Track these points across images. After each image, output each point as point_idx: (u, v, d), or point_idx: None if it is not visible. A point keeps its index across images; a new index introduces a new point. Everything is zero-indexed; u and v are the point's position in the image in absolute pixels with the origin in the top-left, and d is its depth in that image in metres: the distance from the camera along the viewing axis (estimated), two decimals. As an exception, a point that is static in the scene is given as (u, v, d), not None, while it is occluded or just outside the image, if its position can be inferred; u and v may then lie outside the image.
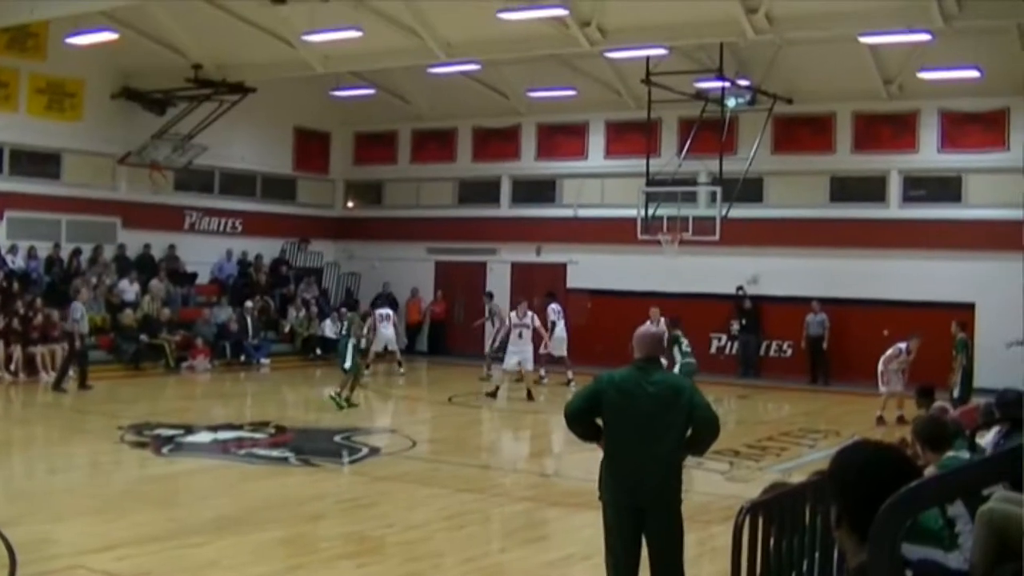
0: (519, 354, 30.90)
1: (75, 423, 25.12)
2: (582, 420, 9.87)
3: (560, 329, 34.26)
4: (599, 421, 9.80)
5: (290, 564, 13.16)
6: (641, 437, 9.53)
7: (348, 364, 27.56)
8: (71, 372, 30.15)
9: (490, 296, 38.32)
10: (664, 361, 10.81)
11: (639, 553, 9.74)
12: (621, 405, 9.63)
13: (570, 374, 33.20)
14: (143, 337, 34.01)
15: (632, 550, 9.71)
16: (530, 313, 31.86)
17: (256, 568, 12.75)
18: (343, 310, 34.75)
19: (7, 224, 34.94)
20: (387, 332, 35.61)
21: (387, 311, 36.39)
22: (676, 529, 9.68)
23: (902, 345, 27.56)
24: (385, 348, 35.67)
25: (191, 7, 31.60)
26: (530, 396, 29.94)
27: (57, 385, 29.63)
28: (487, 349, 35.65)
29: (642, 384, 9.62)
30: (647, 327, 10.41)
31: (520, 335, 31.22)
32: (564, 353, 34.13)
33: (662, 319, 29.40)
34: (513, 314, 31.96)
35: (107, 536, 13.65)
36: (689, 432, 9.57)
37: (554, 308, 34.86)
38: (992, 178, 34.36)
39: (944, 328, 30.63)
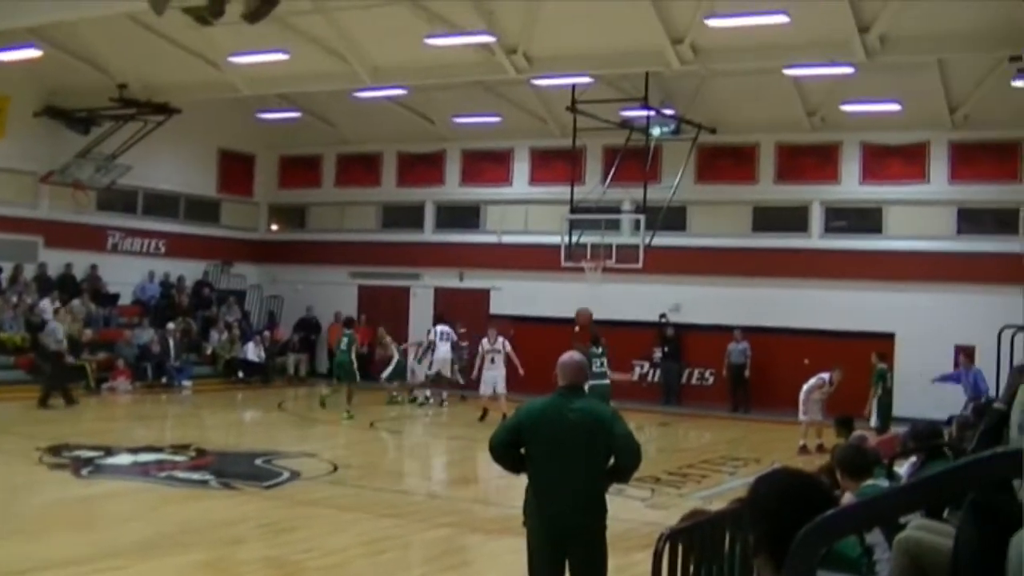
0: (493, 379, 31.41)
1: (-8, 444, 24.88)
2: (506, 453, 9.85)
3: (443, 351, 34.08)
4: (524, 450, 9.78)
5: (211, 588, 13.10)
6: (563, 466, 9.49)
7: (357, 377, 31.32)
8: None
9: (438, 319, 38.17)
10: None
11: None
12: (542, 434, 9.61)
13: (444, 395, 34.48)
14: (70, 359, 33.64)
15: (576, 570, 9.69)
16: (500, 338, 32.27)
17: (176, 592, 12.66)
18: (346, 321, 34.92)
19: (-75, 242, 34.60)
20: (442, 354, 34.05)
21: (446, 329, 34.70)
22: (599, 557, 9.66)
23: (825, 376, 27.75)
24: (438, 373, 34.08)
25: (117, 26, 31.38)
26: (483, 417, 29.97)
27: (44, 402, 30.02)
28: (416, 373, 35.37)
29: (564, 412, 9.60)
30: (571, 354, 10.40)
31: (492, 360, 31.76)
32: (448, 374, 34.39)
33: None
34: (485, 340, 32.29)
35: (25, 559, 13.50)
36: (612, 460, 9.57)
37: (440, 330, 34.52)
38: (912, 210, 34.82)
39: (864, 358, 30.88)
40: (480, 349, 32.47)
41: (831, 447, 13.30)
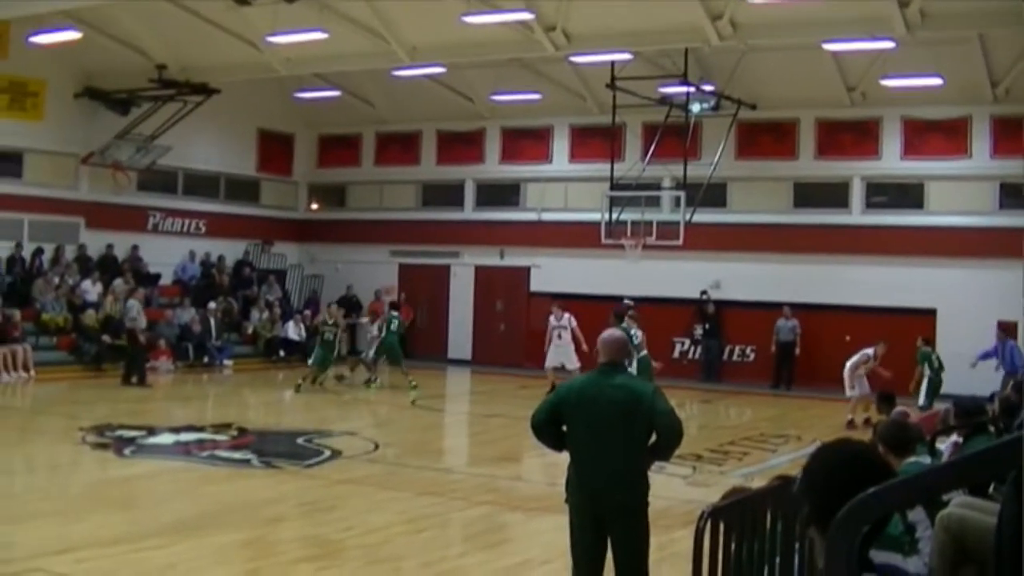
0: (562, 355, 31.75)
1: (35, 424, 25.08)
2: (547, 431, 9.82)
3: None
4: (565, 427, 9.75)
5: (249, 567, 13.16)
6: (603, 443, 9.47)
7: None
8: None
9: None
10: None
11: (602, 557, 9.71)
12: (582, 411, 9.58)
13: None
14: (105, 338, 33.79)
15: (594, 554, 9.68)
16: (566, 315, 32.30)
17: (215, 571, 12.74)
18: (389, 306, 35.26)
19: (-32, 224, 34.77)
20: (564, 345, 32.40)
21: (565, 317, 32.66)
22: (639, 536, 9.63)
23: (869, 351, 28.14)
24: (562, 365, 32.07)
25: (154, 8, 31.48)
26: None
27: (128, 380, 30.90)
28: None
29: (604, 389, 9.57)
30: (611, 331, 10.37)
31: (559, 336, 32.10)
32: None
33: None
34: (551, 317, 32.40)
35: (66, 538, 13.57)
36: (653, 438, 9.55)
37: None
38: (953, 185, 34.61)
39: (905, 334, 30.81)
40: (548, 326, 32.58)
41: (875, 422, 13.21)
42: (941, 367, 28.78)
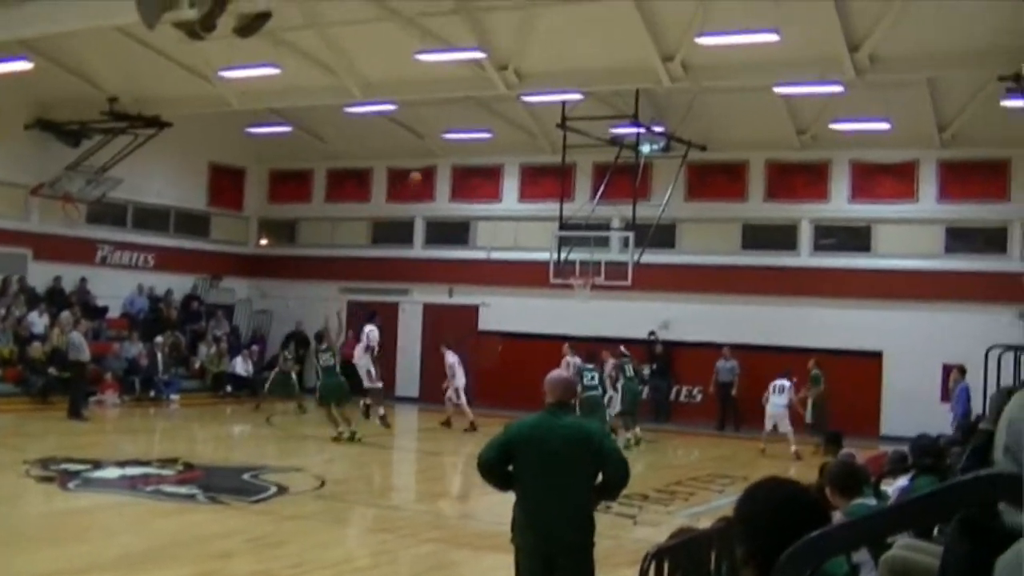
0: None
1: (-20, 456, 24.83)
2: (494, 470, 9.79)
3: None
4: (512, 467, 9.75)
5: (197, 603, 13.08)
6: (551, 483, 9.46)
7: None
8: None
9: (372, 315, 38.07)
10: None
11: None
12: (531, 451, 9.56)
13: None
14: (52, 370, 33.61)
15: None
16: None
17: (162, 606, 12.63)
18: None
19: (-86, 254, 34.56)
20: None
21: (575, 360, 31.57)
22: (587, 574, 9.62)
23: (784, 383, 29.92)
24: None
25: (108, 39, 31.36)
26: None
27: (76, 414, 30.59)
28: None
29: (553, 428, 9.56)
30: (558, 371, 10.40)
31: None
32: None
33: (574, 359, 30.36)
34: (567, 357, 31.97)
35: (9, 571, 13.49)
36: (600, 477, 9.57)
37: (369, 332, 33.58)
38: (901, 229, 34.91)
39: (852, 375, 31.12)
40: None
41: (820, 465, 13.30)
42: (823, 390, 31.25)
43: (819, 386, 32.06)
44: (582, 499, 9.53)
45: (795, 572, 3.37)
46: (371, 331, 31.78)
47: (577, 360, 31.67)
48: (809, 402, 31.69)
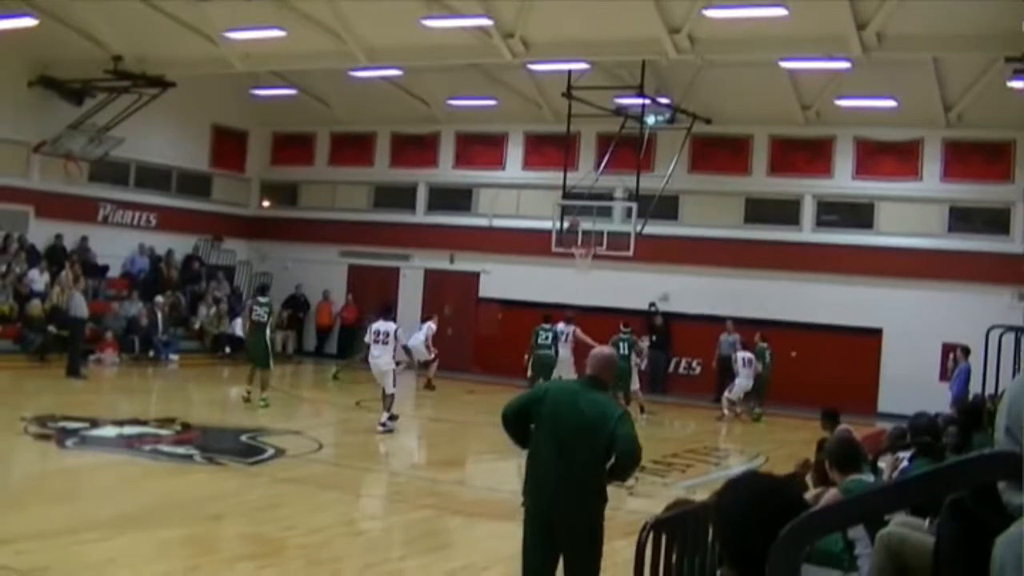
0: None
1: (-23, 413, 24.83)
2: (515, 422, 9.95)
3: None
4: (532, 427, 9.86)
5: (190, 563, 13.07)
6: (561, 452, 9.55)
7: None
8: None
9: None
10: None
11: (551, 565, 9.77)
12: (550, 415, 9.69)
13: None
14: (51, 328, 33.60)
15: (543, 560, 9.76)
16: (571, 327, 32.35)
17: (155, 566, 12.65)
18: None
19: (-86, 209, 34.53)
20: (564, 354, 32.07)
21: (569, 329, 32.53)
22: (590, 551, 9.68)
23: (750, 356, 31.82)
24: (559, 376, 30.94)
25: (113, -2, 31.35)
26: None
27: (74, 372, 30.62)
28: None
29: (577, 400, 9.68)
30: (603, 348, 10.55)
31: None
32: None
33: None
34: (561, 325, 32.23)
35: (6, 530, 13.42)
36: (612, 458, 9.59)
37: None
38: (903, 207, 34.88)
39: (851, 352, 31.15)
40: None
41: (818, 440, 13.30)
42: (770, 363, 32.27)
43: (764, 360, 32.51)
44: (589, 474, 9.59)
45: (794, 548, 3.37)
46: (430, 326, 34.69)
47: (571, 329, 32.06)
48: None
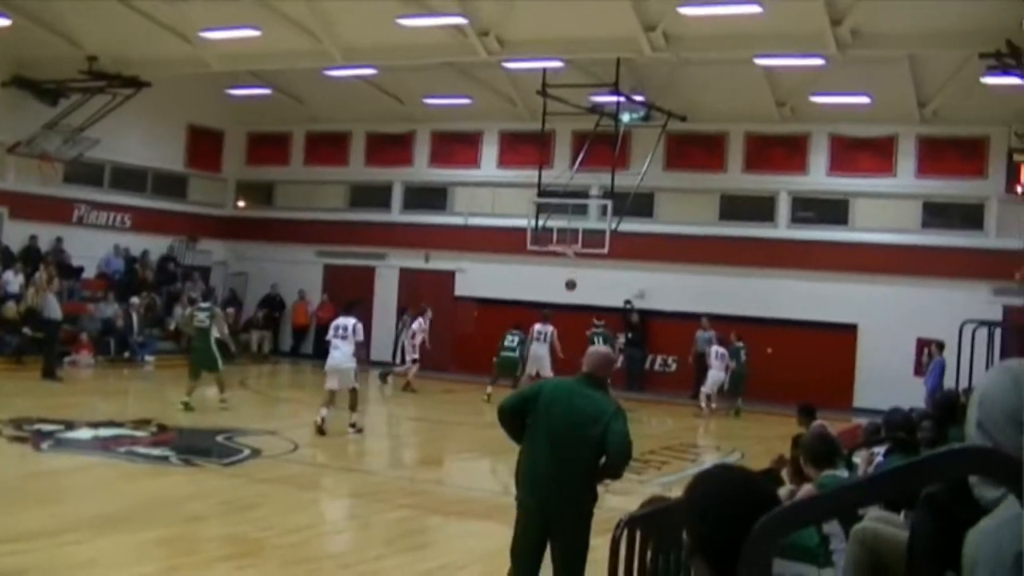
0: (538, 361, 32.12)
1: (-48, 415, 24.74)
2: (512, 417, 10.09)
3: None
4: (528, 422, 10.02)
5: (169, 564, 13.08)
6: (554, 448, 9.71)
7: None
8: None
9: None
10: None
11: (538, 558, 9.93)
12: (545, 411, 9.85)
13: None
14: (26, 330, 33.50)
15: (531, 552, 9.92)
16: (549, 327, 32.75)
17: (135, 568, 12.63)
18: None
19: None
20: (541, 352, 32.65)
21: (548, 328, 32.95)
22: (578, 543, 9.81)
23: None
24: (537, 373, 31.57)
25: (88, -2, 31.27)
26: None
27: (50, 374, 30.60)
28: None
29: (573, 396, 9.88)
30: (598, 347, 10.73)
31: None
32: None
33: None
34: (537, 325, 32.65)
35: (-19, 531, 13.48)
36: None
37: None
38: (879, 203, 34.99)
39: (826, 348, 31.27)
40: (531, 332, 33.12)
41: (793, 436, 13.33)
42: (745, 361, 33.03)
43: (739, 359, 33.22)
44: (580, 469, 9.74)
45: (768, 543, 3.37)
46: (420, 321, 34.82)
47: (549, 328, 32.27)
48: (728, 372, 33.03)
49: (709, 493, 3.86)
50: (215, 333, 27.22)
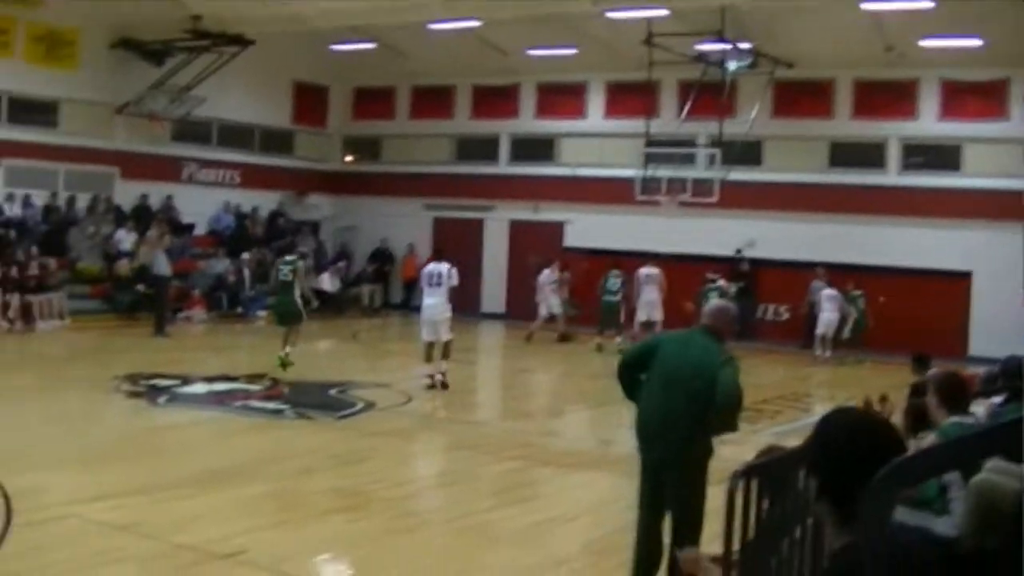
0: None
1: (70, 372, 25.05)
2: (628, 371, 10.22)
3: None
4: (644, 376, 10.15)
5: (278, 519, 13.23)
6: (667, 395, 9.79)
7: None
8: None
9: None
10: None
11: (658, 507, 10.00)
12: (660, 362, 9.96)
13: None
14: (139, 287, 33.87)
15: (650, 502, 10.01)
16: (655, 269, 32.81)
17: (245, 521, 12.73)
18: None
19: (4, 172, 34.89)
20: (651, 296, 32.32)
21: (654, 271, 32.55)
22: (688, 491, 9.84)
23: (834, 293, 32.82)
24: (648, 319, 31.97)
25: (192, -43, 31.42)
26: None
27: (160, 330, 31.08)
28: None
29: (688, 347, 10.01)
30: (719, 301, 10.80)
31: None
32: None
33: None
34: (642, 271, 32.61)
35: (100, 486, 13.68)
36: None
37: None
38: (991, 148, 34.32)
39: (940, 296, 30.87)
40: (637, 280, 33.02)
41: (912, 384, 13.14)
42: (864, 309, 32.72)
43: (857, 307, 33.10)
44: (689, 417, 9.72)
45: (888, 491, 3.31)
46: (548, 274, 35.17)
47: (655, 271, 32.60)
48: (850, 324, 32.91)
49: (835, 436, 3.87)
50: (298, 288, 26.12)
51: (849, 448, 3.80)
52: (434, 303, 23.73)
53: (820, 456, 3.90)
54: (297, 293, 25.82)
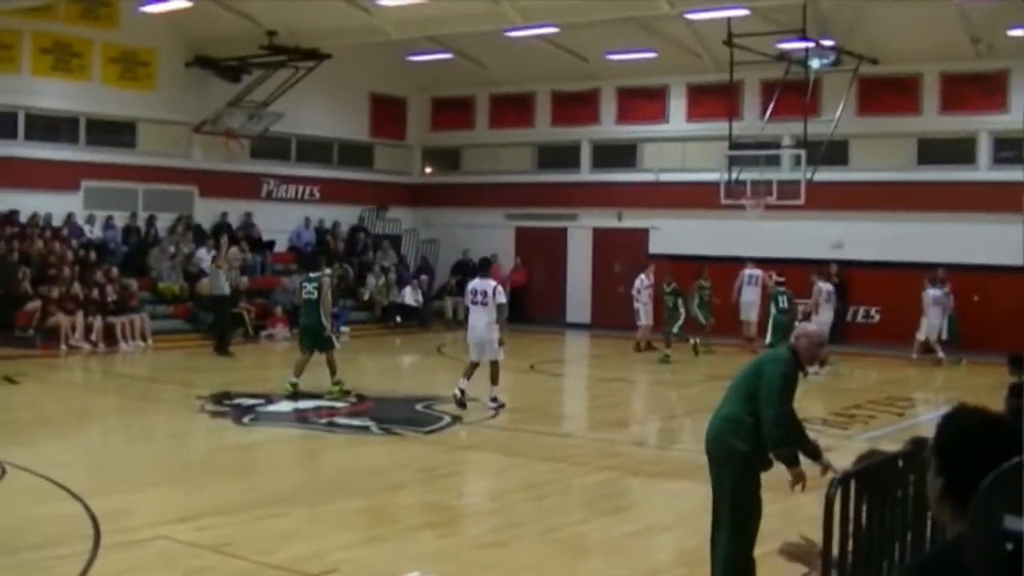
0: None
1: (154, 393, 25.11)
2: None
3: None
4: None
5: (371, 534, 13.15)
6: (727, 393, 10.14)
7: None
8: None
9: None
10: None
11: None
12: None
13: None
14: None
15: (717, 494, 10.12)
16: (758, 271, 33.70)
17: (337, 538, 12.66)
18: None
19: (84, 194, 35.19)
20: (751, 296, 33.68)
21: (757, 272, 33.85)
22: (730, 485, 9.91)
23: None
24: (747, 318, 33.60)
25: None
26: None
27: (224, 349, 30.98)
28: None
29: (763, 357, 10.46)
30: (812, 327, 11.96)
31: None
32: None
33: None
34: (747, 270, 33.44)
35: (187, 506, 13.69)
36: None
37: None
38: (1088, 141, 33.61)
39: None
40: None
41: (1010, 384, 12.69)
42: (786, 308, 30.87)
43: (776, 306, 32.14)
44: (738, 411, 9.87)
45: (998, 496, 3.16)
46: (643, 279, 34.55)
47: (758, 272, 33.40)
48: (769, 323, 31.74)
49: (954, 436, 3.76)
50: (323, 307, 24.22)
51: (969, 448, 3.65)
52: (479, 323, 22.35)
53: (941, 457, 3.75)
54: (323, 312, 24.10)
